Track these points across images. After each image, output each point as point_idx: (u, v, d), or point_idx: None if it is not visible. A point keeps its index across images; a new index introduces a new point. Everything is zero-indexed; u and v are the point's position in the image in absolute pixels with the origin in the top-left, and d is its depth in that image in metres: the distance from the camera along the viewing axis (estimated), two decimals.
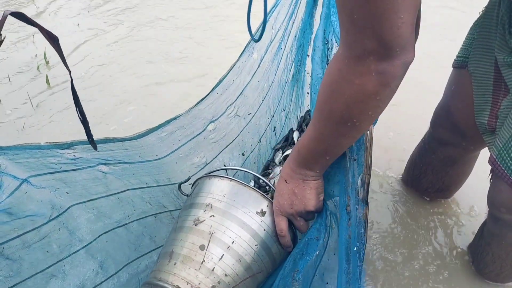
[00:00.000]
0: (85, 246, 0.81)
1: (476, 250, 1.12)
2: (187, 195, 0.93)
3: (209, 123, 1.04)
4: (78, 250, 0.80)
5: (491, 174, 0.93)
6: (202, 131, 1.03)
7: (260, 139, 1.20)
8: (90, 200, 0.80)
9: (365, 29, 0.56)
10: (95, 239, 0.82)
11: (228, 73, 1.02)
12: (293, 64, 1.20)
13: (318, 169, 0.77)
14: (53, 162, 0.73)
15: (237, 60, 1.03)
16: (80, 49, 2.06)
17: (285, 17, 1.09)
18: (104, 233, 0.84)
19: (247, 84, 1.08)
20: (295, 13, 1.11)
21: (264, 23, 0.93)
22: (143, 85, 1.83)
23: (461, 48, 1.00)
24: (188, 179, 0.97)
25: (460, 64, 0.99)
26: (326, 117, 0.69)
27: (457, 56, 1.01)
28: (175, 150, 0.97)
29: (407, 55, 0.58)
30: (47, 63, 1.91)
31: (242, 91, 1.08)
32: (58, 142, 0.74)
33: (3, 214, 0.66)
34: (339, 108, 0.65)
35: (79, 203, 0.79)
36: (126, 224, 0.88)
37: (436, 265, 1.15)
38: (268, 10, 1.02)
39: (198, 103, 0.99)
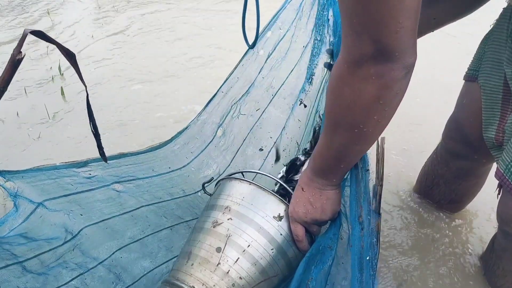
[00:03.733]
0: (100, 262, 0.82)
1: (488, 262, 1.10)
2: (210, 195, 0.93)
3: (218, 128, 1.04)
4: (95, 266, 0.81)
5: (498, 189, 0.89)
6: (212, 138, 1.03)
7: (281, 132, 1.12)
8: (103, 220, 0.81)
9: (363, 34, 0.56)
10: (109, 256, 0.84)
11: (234, 71, 1.00)
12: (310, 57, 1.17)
13: (334, 178, 0.75)
14: (69, 183, 0.74)
15: (242, 58, 1.01)
16: (95, 61, 2.08)
17: (296, 13, 1.06)
18: (118, 249, 0.85)
19: (254, 81, 1.05)
20: (311, 9, 1.08)
21: (257, 31, 0.94)
22: (162, 99, 1.84)
23: (472, 61, 0.98)
24: (211, 179, 0.98)
25: (471, 77, 0.97)
26: (333, 123, 0.68)
27: (468, 69, 0.99)
28: (188, 163, 0.97)
29: (407, 59, 0.58)
30: (61, 74, 1.94)
31: (248, 89, 1.06)
32: (74, 161, 0.76)
33: (19, 238, 0.68)
34: (344, 114, 0.65)
35: (92, 224, 0.80)
36: (140, 239, 0.89)
37: (448, 276, 1.12)
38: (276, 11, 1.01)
39: (206, 105, 1.00)
